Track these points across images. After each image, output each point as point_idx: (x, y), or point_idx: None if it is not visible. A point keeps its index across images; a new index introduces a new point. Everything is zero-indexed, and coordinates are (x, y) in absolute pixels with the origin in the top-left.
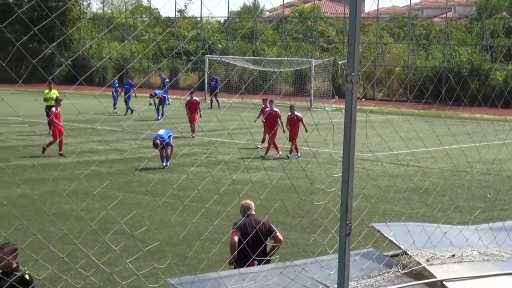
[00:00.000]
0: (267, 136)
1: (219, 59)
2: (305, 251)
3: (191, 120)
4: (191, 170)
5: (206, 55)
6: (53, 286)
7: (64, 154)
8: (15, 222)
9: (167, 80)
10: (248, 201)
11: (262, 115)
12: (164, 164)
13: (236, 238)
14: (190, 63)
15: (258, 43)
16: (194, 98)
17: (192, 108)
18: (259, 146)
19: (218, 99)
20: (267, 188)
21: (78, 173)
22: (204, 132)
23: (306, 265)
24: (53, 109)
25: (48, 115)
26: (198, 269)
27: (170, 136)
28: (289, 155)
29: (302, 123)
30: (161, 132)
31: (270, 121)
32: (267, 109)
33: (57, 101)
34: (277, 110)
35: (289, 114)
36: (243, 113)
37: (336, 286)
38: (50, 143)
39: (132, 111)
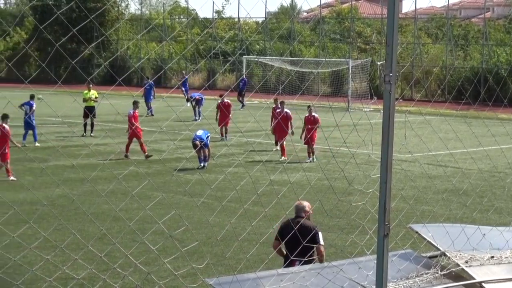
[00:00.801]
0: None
1: (257, 59)
2: (343, 252)
3: (222, 123)
4: (229, 170)
5: (244, 56)
6: (91, 286)
7: (149, 154)
8: (55, 222)
9: (186, 78)
10: (303, 202)
11: (274, 118)
12: (202, 164)
13: (276, 243)
14: (228, 64)
15: (296, 44)
16: (226, 100)
17: (223, 110)
18: (275, 148)
19: (245, 99)
20: (305, 188)
21: (117, 173)
22: (242, 133)
23: (344, 266)
24: (131, 111)
25: (86, 115)
26: (236, 270)
27: (207, 136)
28: (308, 160)
29: (317, 125)
30: (199, 133)
31: (280, 123)
32: (278, 109)
33: (135, 103)
34: (288, 111)
35: (307, 115)
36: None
37: (374, 287)
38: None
39: (151, 112)
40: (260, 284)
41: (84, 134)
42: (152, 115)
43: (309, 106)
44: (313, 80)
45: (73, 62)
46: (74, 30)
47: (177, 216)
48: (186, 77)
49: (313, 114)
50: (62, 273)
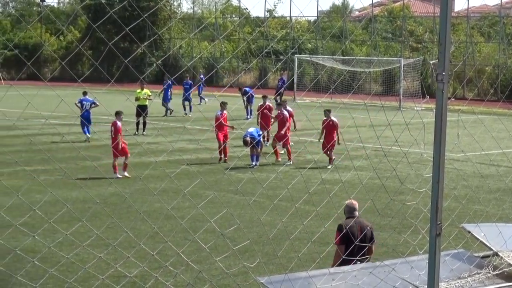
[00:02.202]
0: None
1: (308, 58)
2: (395, 251)
3: (263, 127)
4: (280, 169)
5: (296, 55)
6: (143, 284)
7: (227, 161)
8: (107, 220)
9: (202, 77)
10: (353, 201)
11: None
12: (253, 163)
13: (343, 248)
14: (280, 63)
15: (348, 43)
16: (268, 103)
17: (264, 114)
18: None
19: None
20: (356, 188)
21: (169, 171)
22: (293, 131)
23: (396, 266)
24: (219, 112)
25: (139, 114)
26: (287, 268)
27: (260, 135)
28: (329, 166)
29: (337, 131)
30: (251, 129)
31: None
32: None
33: (224, 104)
34: (290, 110)
35: (325, 118)
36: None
37: (426, 287)
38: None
39: (171, 111)
40: (311, 283)
41: (137, 132)
42: (171, 112)
43: (327, 110)
44: (365, 79)
45: (125, 61)
46: (127, 29)
47: (228, 214)
48: (203, 76)
49: (332, 118)
50: (114, 271)
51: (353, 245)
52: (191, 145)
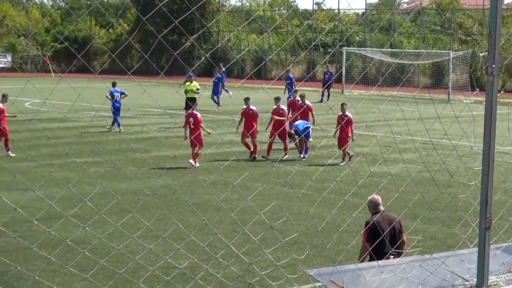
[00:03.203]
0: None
1: (357, 51)
2: (444, 244)
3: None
4: (329, 162)
5: (344, 48)
6: (193, 275)
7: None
8: (157, 212)
9: (223, 70)
10: (376, 196)
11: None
12: (302, 155)
13: (370, 244)
14: (328, 56)
15: (396, 35)
16: (307, 101)
17: (304, 114)
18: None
19: (331, 91)
20: (405, 180)
21: (218, 164)
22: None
23: (446, 259)
24: (275, 106)
25: (188, 107)
26: (336, 261)
27: (308, 127)
28: (341, 163)
29: (350, 126)
30: (297, 122)
31: (247, 120)
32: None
33: (278, 99)
34: (253, 108)
35: (340, 114)
36: (381, 105)
37: (476, 280)
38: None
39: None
40: (360, 275)
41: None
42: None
43: (343, 104)
44: (414, 72)
45: (175, 54)
46: (176, 21)
47: (277, 207)
48: (224, 69)
49: (347, 113)
50: (164, 263)
51: (381, 240)
52: (239, 138)
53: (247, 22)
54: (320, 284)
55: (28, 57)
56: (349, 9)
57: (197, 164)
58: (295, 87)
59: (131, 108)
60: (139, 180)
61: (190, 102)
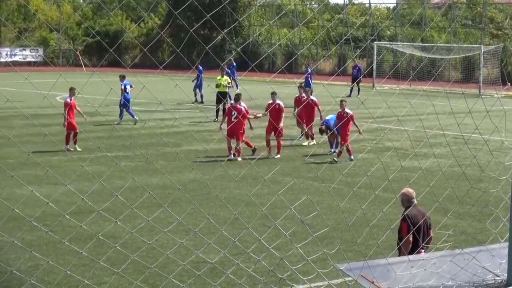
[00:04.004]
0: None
1: (388, 45)
2: (475, 239)
3: (303, 121)
4: (359, 156)
5: (375, 42)
6: (223, 270)
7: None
8: (187, 207)
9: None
10: (410, 190)
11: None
12: (332, 150)
13: (411, 238)
14: (359, 50)
15: (427, 30)
16: (278, 101)
17: (309, 109)
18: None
19: (361, 86)
20: (435, 175)
21: (248, 158)
22: (374, 119)
23: (476, 254)
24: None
25: (220, 101)
26: (366, 256)
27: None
28: (336, 159)
29: (353, 121)
30: (328, 117)
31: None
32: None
33: (274, 94)
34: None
35: (340, 111)
36: (412, 99)
37: (507, 275)
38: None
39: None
40: (390, 270)
41: (217, 119)
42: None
43: (342, 101)
44: (445, 66)
45: (207, 48)
46: (207, 16)
47: (307, 201)
48: (234, 63)
49: (346, 110)
50: (194, 257)
51: (418, 234)
52: None
53: (278, 16)
54: (350, 278)
55: (60, 51)
56: (380, 3)
57: (239, 159)
58: (312, 82)
59: (163, 102)
60: (169, 174)
61: (221, 96)
